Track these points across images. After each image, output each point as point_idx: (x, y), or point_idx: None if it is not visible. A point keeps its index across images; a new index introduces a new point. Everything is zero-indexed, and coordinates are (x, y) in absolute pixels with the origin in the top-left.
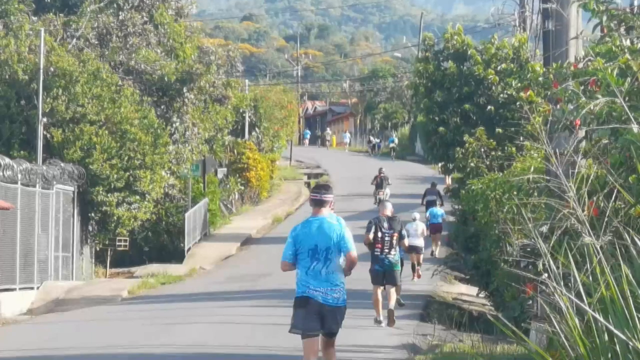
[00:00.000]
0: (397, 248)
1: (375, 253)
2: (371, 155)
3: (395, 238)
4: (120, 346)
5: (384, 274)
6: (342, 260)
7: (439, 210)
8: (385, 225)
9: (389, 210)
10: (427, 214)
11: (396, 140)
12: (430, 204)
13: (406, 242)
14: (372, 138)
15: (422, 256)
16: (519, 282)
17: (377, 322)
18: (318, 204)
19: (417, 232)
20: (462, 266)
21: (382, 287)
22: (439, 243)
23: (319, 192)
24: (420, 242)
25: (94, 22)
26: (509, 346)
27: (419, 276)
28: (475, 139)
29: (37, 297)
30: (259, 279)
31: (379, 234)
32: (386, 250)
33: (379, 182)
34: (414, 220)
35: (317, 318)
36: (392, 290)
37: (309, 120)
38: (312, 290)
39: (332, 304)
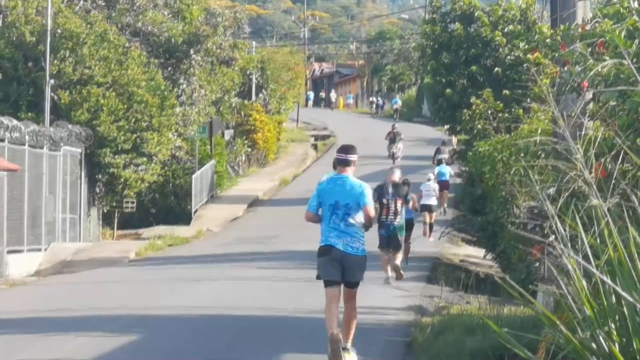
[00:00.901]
0: (403, 213)
1: (382, 219)
2: (374, 117)
3: (399, 204)
4: (127, 307)
5: (388, 239)
6: (360, 216)
7: (445, 168)
8: (390, 191)
9: (396, 176)
10: (435, 171)
11: (400, 102)
12: (441, 163)
13: (411, 205)
14: (374, 99)
15: (434, 214)
16: (526, 244)
17: (386, 280)
18: (343, 163)
19: (430, 192)
20: (469, 228)
21: (389, 250)
22: (446, 200)
23: (344, 153)
24: (433, 201)
25: None
26: (516, 308)
27: (430, 235)
28: (483, 101)
29: (45, 259)
30: (266, 241)
31: (384, 201)
32: (391, 217)
33: (392, 137)
34: (428, 180)
35: (338, 267)
36: (398, 254)
37: (316, 82)
38: (334, 239)
39: (351, 252)
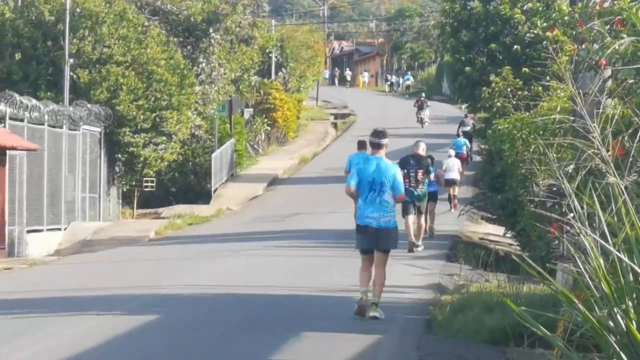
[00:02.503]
0: (425, 183)
1: (405, 187)
2: (389, 94)
3: (420, 174)
4: (146, 286)
5: (412, 204)
6: (389, 195)
7: (462, 140)
8: (412, 162)
9: (420, 149)
10: (452, 145)
11: (412, 78)
12: (465, 135)
13: (432, 176)
14: (388, 76)
15: (457, 188)
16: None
17: (411, 247)
18: (376, 146)
19: (453, 166)
20: (489, 206)
21: (412, 217)
22: (463, 172)
23: (377, 137)
24: (456, 175)
25: None
26: (535, 286)
27: (455, 206)
28: (502, 78)
29: (65, 238)
30: (285, 220)
31: (406, 170)
32: (413, 185)
33: (420, 105)
34: (449, 156)
35: (373, 240)
36: (422, 218)
37: (336, 60)
38: (368, 218)
39: (383, 226)
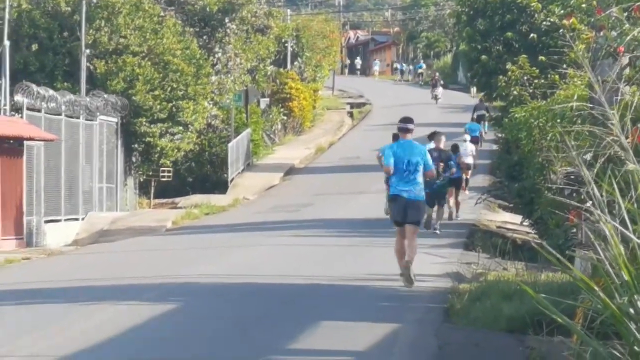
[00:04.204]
0: (444, 175)
1: (426, 179)
2: (398, 82)
3: (441, 167)
4: (163, 276)
5: (432, 196)
6: (420, 174)
7: (475, 124)
8: (435, 155)
9: (442, 143)
10: (466, 128)
11: (424, 66)
12: (480, 118)
13: (454, 170)
14: (397, 64)
15: (470, 172)
16: (563, 210)
17: (433, 231)
18: (405, 130)
19: (466, 151)
20: (506, 194)
21: (434, 205)
22: (477, 155)
23: (405, 123)
24: (469, 159)
25: None
26: (554, 274)
27: (464, 189)
28: (518, 67)
29: (82, 228)
30: (302, 209)
31: None
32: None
33: (434, 83)
34: (464, 141)
35: (403, 213)
36: (441, 209)
37: (351, 49)
38: (401, 190)
39: (413, 198)
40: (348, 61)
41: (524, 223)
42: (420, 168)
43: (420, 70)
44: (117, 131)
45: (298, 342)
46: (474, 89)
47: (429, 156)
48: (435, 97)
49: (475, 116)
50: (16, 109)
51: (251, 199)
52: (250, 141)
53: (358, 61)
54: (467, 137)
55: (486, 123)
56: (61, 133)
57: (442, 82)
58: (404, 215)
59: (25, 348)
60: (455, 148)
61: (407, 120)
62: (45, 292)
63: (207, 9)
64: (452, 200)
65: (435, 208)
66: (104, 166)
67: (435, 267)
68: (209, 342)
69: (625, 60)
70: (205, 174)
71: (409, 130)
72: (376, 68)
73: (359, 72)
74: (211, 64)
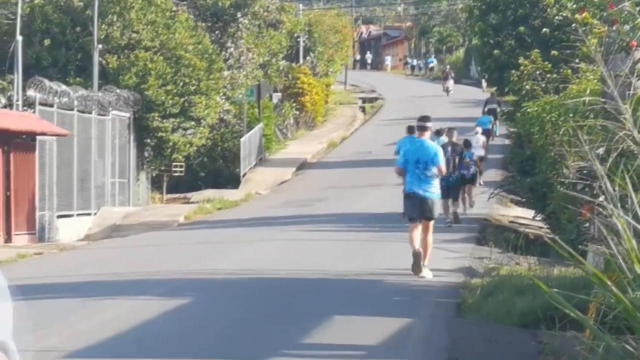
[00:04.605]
0: (461, 171)
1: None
2: (409, 77)
3: (457, 159)
4: (175, 270)
5: (448, 188)
6: (435, 170)
7: (486, 117)
8: (450, 149)
9: (455, 137)
10: (478, 122)
11: (435, 62)
12: (491, 112)
13: (468, 160)
14: (409, 59)
15: (483, 164)
16: (576, 205)
17: (447, 224)
18: (422, 129)
19: (478, 143)
20: (518, 189)
21: (449, 198)
22: (487, 148)
23: (422, 121)
24: (481, 152)
25: None
26: (566, 269)
27: (480, 183)
28: (531, 61)
29: (94, 223)
30: (315, 204)
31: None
32: (450, 170)
33: (445, 75)
34: (476, 134)
35: (418, 208)
36: (456, 202)
37: (364, 44)
38: (415, 187)
39: (427, 196)
40: (358, 56)
41: (537, 217)
42: (432, 166)
43: (431, 65)
44: (129, 126)
45: (311, 336)
46: (484, 83)
47: (441, 153)
48: (447, 90)
49: (486, 109)
50: (29, 104)
51: (263, 193)
52: (263, 136)
53: (369, 56)
54: (479, 129)
55: (497, 124)
56: (73, 128)
57: (453, 74)
58: (418, 211)
59: (37, 343)
60: (467, 143)
61: (424, 119)
62: (56, 287)
63: (219, 3)
64: (466, 197)
65: (450, 201)
66: (117, 161)
67: (447, 262)
68: (223, 337)
69: (637, 54)
70: (217, 168)
71: (426, 129)
72: (387, 63)
73: (369, 67)
74: (223, 58)
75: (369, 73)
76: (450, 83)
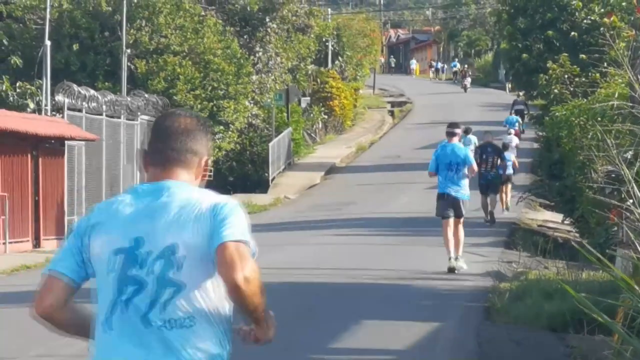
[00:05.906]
0: (497, 166)
1: (482, 171)
2: (433, 80)
3: (496, 159)
4: None
5: (487, 186)
6: (466, 170)
7: (514, 117)
8: (489, 149)
9: (492, 138)
10: (505, 122)
11: (459, 65)
12: (518, 113)
13: (505, 161)
14: (433, 62)
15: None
16: (604, 209)
17: (485, 220)
18: (451, 135)
19: (512, 143)
20: (547, 193)
21: (487, 197)
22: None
23: (452, 128)
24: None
25: None
26: (594, 273)
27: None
28: (559, 65)
29: None
30: (344, 208)
31: (484, 157)
32: (489, 169)
33: (464, 75)
34: (509, 134)
35: (450, 207)
36: (495, 200)
37: (392, 48)
38: (448, 189)
39: (459, 197)
40: (382, 60)
41: (565, 222)
42: (463, 168)
43: (455, 69)
44: None
45: (340, 341)
46: (508, 86)
47: (470, 155)
48: (465, 87)
49: (513, 110)
50: (57, 109)
51: (292, 198)
52: (291, 140)
53: (392, 59)
54: (511, 130)
55: (523, 122)
56: (102, 133)
57: (470, 73)
58: (451, 210)
59: (63, 348)
60: (505, 146)
61: (453, 125)
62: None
63: (248, 8)
64: (504, 197)
65: (489, 200)
66: None
67: (476, 265)
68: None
69: None
70: (246, 173)
71: (454, 135)
72: (413, 67)
73: (393, 71)
74: (252, 63)
75: (398, 77)
76: (468, 80)
